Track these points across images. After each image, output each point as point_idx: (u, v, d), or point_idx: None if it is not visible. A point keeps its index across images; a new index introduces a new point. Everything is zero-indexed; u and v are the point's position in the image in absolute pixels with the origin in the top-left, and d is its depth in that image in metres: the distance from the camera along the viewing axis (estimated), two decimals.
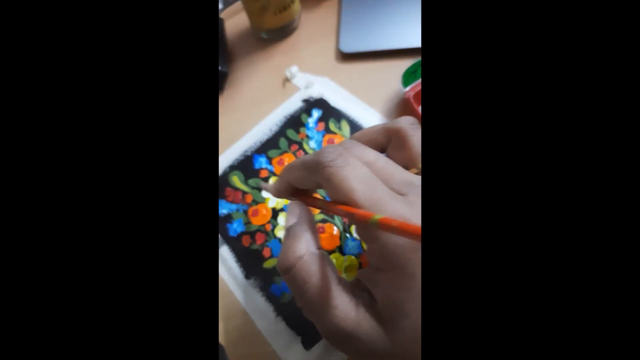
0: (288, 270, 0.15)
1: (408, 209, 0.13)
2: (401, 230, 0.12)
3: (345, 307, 0.14)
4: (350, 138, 0.18)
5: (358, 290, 0.15)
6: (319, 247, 0.16)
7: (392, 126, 0.17)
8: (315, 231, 0.17)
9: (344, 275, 0.26)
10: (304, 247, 0.15)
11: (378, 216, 0.13)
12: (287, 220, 0.17)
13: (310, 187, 0.17)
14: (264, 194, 0.30)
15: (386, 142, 0.18)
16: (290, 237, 0.16)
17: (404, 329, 0.13)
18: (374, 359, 0.14)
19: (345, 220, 0.28)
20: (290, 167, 0.18)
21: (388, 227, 0.12)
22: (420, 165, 0.16)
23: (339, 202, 0.14)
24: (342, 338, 0.14)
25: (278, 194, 0.19)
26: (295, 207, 0.18)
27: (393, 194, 0.14)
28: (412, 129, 0.17)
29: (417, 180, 0.15)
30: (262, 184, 0.25)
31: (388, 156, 0.17)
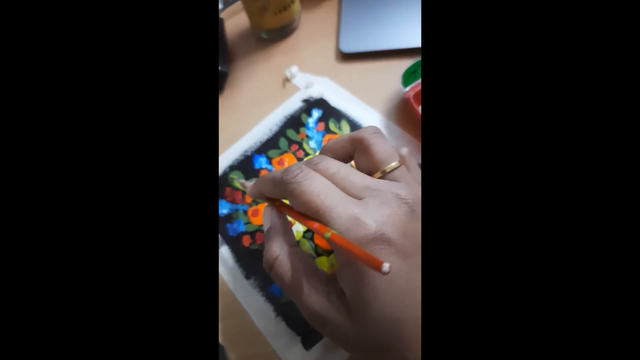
0: (270, 269, 0.18)
1: (361, 210, 0.15)
2: (343, 244, 0.14)
3: (315, 295, 0.17)
4: (322, 149, 0.21)
5: (333, 281, 0.17)
6: (293, 244, 0.19)
7: (356, 136, 0.19)
8: (288, 230, 0.20)
9: None
10: (278, 248, 0.18)
11: (329, 232, 0.15)
12: (263, 223, 0.21)
13: (279, 197, 0.20)
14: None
15: (352, 150, 0.20)
16: (267, 240, 0.19)
17: (365, 317, 0.15)
18: (348, 342, 0.16)
19: None
20: (262, 180, 0.20)
21: (335, 241, 0.15)
22: (383, 169, 0.18)
23: (301, 214, 0.17)
24: (316, 321, 0.17)
25: (253, 197, 0.22)
26: (268, 212, 0.21)
27: (349, 198, 0.16)
28: (373, 137, 0.18)
29: (375, 184, 0.17)
30: (242, 181, 0.26)
31: (355, 162, 0.20)
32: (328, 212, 0.15)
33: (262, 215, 0.29)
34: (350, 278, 0.16)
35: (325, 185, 0.16)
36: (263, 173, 0.31)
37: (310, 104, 0.34)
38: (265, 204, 0.21)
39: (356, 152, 0.20)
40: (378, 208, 0.15)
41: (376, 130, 0.19)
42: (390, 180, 0.17)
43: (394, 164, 0.18)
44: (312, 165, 0.18)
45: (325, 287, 0.17)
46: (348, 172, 0.17)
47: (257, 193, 0.21)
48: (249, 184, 0.24)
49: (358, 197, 0.16)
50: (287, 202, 0.20)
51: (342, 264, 0.16)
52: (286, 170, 0.18)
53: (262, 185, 0.20)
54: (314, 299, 0.17)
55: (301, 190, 0.16)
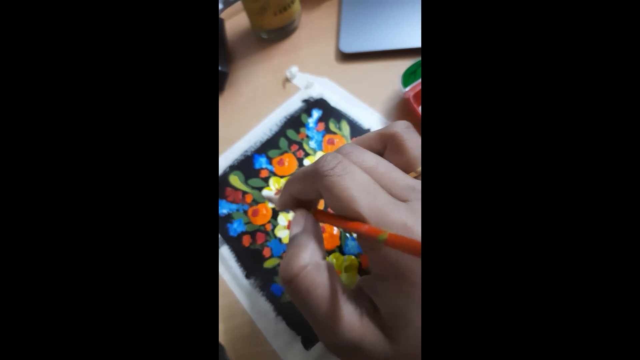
0: (291, 281, 0.15)
1: (411, 217, 0.13)
2: (407, 248, 0.12)
3: (350, 318, 0.14)
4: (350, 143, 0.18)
5: (360, 298, 0.15)
6: (324, 257, 0.16)
7: (386, 131, 0.17)
8: (321, 241, 0.16)
9: (343, 275, 0.26)
10: (308, 257, 0.15)
11: (385, 234, 0.12)
12: (291, 229, 0.17)
13: (313, 198, 0.17)
14: (265, 193, 0.30)
15: (382, 148, 0.18)
16: (293, 246, 0.16)
17: (408, 338, 0.13)
18: None
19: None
20: (291, 179, 0.18)
21: (394, 244, 0.12)
22: (419, 169, 0.16)
23: (343, 216, 0.14)
24: (349, 350, 0.14)
25: (283, 207, 0.19)
26: (300, 217, 0.17)
27: (395, 201, 0.14)
28: (407, 133, 0.17)
29: (419, 185, 0.15)
30: (267, 193, 0.25)
31: None
32: (376, 216, 0.13)
33: (263, 215, 0.29)
34: (393, 293, 0.14)
35: (369, 182, 0.14)
36: (263, 173, 0.31)
37: (310, 104, 0.34)
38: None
39: (387, 149, 0.18)
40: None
41: (408, 125, 0.17)
42: None
43: None
44: (343, 155, 0.15)
45: (357, 308, 0.15)
46: (388, 167, 0.15)
47: (287, 199, 0.18)
48: (274, 197, 0.21)
49: (402, 199, 0.14)
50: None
51: (380, 278, 0.14)
52: (320, 161, 0.15)
53: (291, 185, 0.17)
54: (348, 322, 0.14)
55: (342, 186, 0.14)
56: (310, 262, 0.15)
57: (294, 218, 0.17)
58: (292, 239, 0.16)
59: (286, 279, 0.15)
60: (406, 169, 0.16)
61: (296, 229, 0.17)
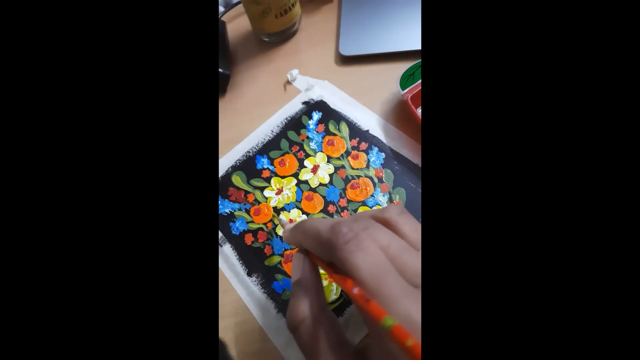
0: (293, 332, 0.16)
1: (418, 308, 0.13)
2: (406, 348, 0.11)
3: None
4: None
5: (361, 357, 0.15)
6: (323, 306, 0.17)
7: (380, 216, 0.17)
8: (320, 289, 0.17)
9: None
10: (306, 310, 0.16)
11: (391, 321, 0.12)
12: (292, 272, 0.18)
13: (323, 257, 0.17)
14: (266, 193, 0.31)
15: None
16: (293, 297, 0.17)
17: None
18: None
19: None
20: (303, 232, 0.17)
21: (395, 337, 0.11)
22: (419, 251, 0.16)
23: (345, 276, 0.14)
24: None
25: (288, 242, 0.20)
26: (299, 261, 0.18)
27: (406, 286, 0.13)
28: (401, 218, 0.16)
29: None
30: (283, 219, 0.26)
31: None
32: (384, 302, 0.13)
33: (264, 214, 0.30)
34: None
35: (382, 263, 0.14)
36: (265, 173, 0.32)
37: (311, 106, 0.35)
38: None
39: None
40: None
41: (402, 210, 0.17)
42: None
43: None
44: (359, 227, 0.15)
45: None
46: (400, 248, 0.15)
47: (294, 242, 0.19)
48: (285, 224, 0.21)
49: (413, 284, 0.14)
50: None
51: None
52: (334, 230, 0.15)
53: (303, 238, 0.18)
54: None
55: (354, 263, 0.14)
56: (307, 316, 0.16)
57: (293, 262, 0.18)
58: (293, 286, 0.17)
59: (290, 329, 0.16)
60: None
61: (295, 276, 0.18)
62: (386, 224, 0.16)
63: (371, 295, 0.13)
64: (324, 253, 0.16)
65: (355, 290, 0.13)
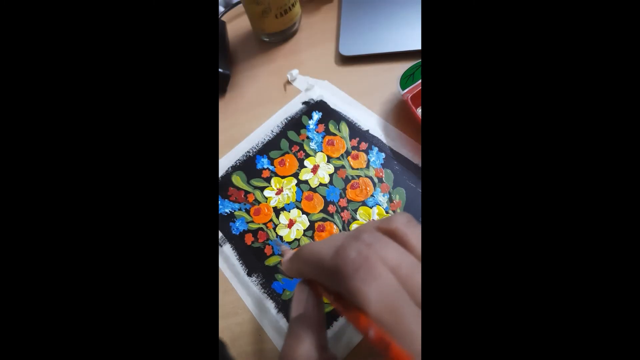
0: None
1: None
2: None
3: None
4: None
5: None
6: (325, 347, 0.15)
7: (386, 226, 0.16)
8: (322, 327, 0.16)
9: None
10: (306, 354, 0.15)
11: None
12: (292, 307, 0.17)
13: (329, 287, 0.15)
14: (266, 193, 0.31)
15: None
16: (292, 335, 0.15)
17: None
18: None
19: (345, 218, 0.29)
20: (305, 262, 0.16)
21: None
22: None
23: (356, 313, 0.13)
24: None
25: (287, 273, 0.18)
26: (302, 294, 0.16)
27: (418, 312, 0.13)
28: (408, 227, 0.15)
29: None
30: (278, 241, 0.25)
31: None
32: (397, 333, 0.12)
33: (264, 214, 0.30)
34: None
35: (395, 291, 0.13)
36: (265, 173, 0.32)
37: (311, 106, 0.35)
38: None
39: None
40: None
41: (408, 219, 0.16)
42: None
43: None
44: (367, 247, 0.14)
45: None
46: (411, 267, 0.14)
47: (295, 273, 0.17)
48: (287, 253, 0.20)
49: None
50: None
51: None
52: (341, 256, 0.14)
53: (304, 267, 0.16)
54: None
55: (367, 296, 0.13)
56: (307, 359, 0.14)
57: (296, 294, 0.17)
58: (292, 323, 0.16)
59: None
60: None
61: (297, 310, 0.16)
62: (393, 235, 0.15)
63: (387, 331, 0.12)
64: (330, 282, 0.14)
65: (371, 334, 0.12)
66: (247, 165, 0.33)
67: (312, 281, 0.17)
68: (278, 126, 0.34)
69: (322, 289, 0.16)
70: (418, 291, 0.13)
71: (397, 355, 0.12)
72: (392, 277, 0.13)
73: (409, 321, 0.12)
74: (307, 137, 0.33)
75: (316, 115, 0.34)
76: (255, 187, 0.31)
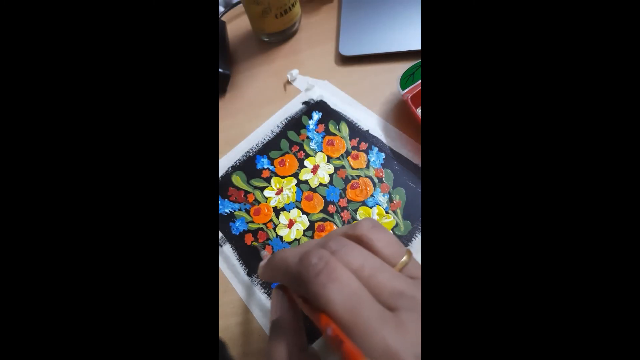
0: None
1: (396, 337, 0.12)
2: None
3: None
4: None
5: None
6: (303, 348, 0.16)
7: (352, 233, 0.16)
8: (299, 329, 0.16)
9: None
10: (283, 355, 0.15)
11: None
12: (271, 311, 0.17)
13: (297, 291, 0.16)
14: (266, 193, 0.31)
15: None
16: (271, 339, 0.16)
17: None
18: None
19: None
20: (274, 266, 0.17)
21: None
22: (398, 265, 0.15)
23: (322, 314, 0.13)
24: None
25: (263, 278, 0.19)
26: (278, 299, 0.17)
27: (382, 313, 0.13)
28: (372, 232, 0.16)
29: (408, 288, 0.14)
30: (262, 252, 0.26)
31: None
32: (360, 336, 0.12)
33: (264, 214, 0.30)
34: None
35: (355, 290, 0.13)
36: (265, 173, 0.32)
37: (311, 106, 0.35)
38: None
39: None
40: (418, 331, 0.12)
41: (373, 224, 0.16)
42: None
43: (404, 259, 0.15)
44: (329, 253, 0.14)
45: None
46: (375, 268, 0.14)
47: (268, 278, 0.18)
48: (263, 257, 0.20)
49: (390, 307, 0.13)
50: None
51: None
52: (303, 262, 0.14)
53: (273, 272, 0.17)
54: None
55: (327, 298, 0.13)
56: (285, 359, 0.15)
57: (272, 299, 0.18)
58: (270, 327, 0.17)
59: None
60: None
61: (274, 314, 0.17)
62: (359, 240, 0.16)
63: (347, 330, 0.13)
64: (296, 287, 0.15)
65: (329, 332, 0.13)
66: (247, 165, 0.33)
67: (286, 289, 0.18)
68: (278, 126, 0.34)
69: (293, 293, 0.17)
70: (381, 290, 0.14)
71: (349, 352, 0.12)
72: (353, 278, 0.14)
73: (369, 318, 0.13)
74: (307, 137, 0.33)
75: (316, 115, 0.34)
76: (255, 187, 0.31)
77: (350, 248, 0.15)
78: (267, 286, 0.27)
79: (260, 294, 0.27)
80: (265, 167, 0.32)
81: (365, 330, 0.12)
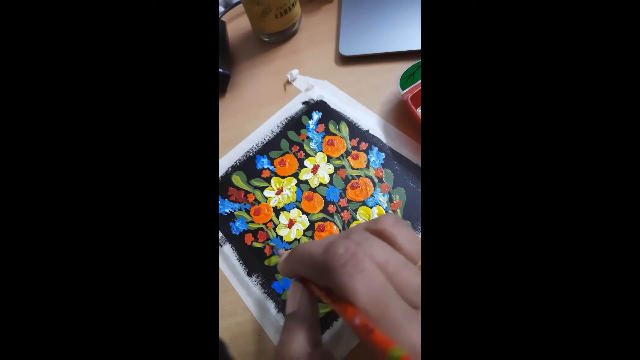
0: None
1: (420, 334, 0.12)
2: None
3: None
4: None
5: None
6: (319, 343, 0.16)
7: (375, 227, 0.16)
8: (316, 323, 0.16)
9: None
10: (299, 348, 0.15)
11: (399, 352, 0.11)
12: (287, 304, 0.17)
13: (320, 283, 0.16)
14: (266, 193, 0.31)
15: None
16: (286, 331, 0.16)
17: None
18: None
19: (345, 218, 0.29)
20: (296, 259, 0.17)
21: None
22: (419, 264, 0.15)
23: (346, 306, 0.13)
24: None
25: (283, 274, 0.19)
26: (297, 292, 0.17)
27: (408, 310, 0.13)
28: (395, 228, 0.16)
29: None
30: (280, 250, 0.26)
31: None
32: (387, 329, 0.12)
33: (264, 214, 0.30)
34: None
35: (382, 285, 0.13)
36: (265, 173, 0.32)
37: (311, 106, 0.35)
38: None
39: None
40: None
41: (396, 219, 0.16)
42: None
43: None
44: (355, 245, 0.14)
45: None
46: (399, 265, 0.14)
47: (289, 273, 0.18)
48: (281, 255, 0.20)
49: (414, 305, 0.13)
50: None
51: None
52: (329, 252, 0.14)
53: (297, 266, 0.17)
54: None
55: (354, 289, 0.13)
56: (300, 355, 0.15)
57: (291, 291, 0.17)
58: (287, 319, 0.16)
59: None
60: None
61: (292, 307, 0.17)
62: (381, 235, 0.16)
63: (374, 322, 0.12)
64: (320, 279, 0.15)
65: (357, 321, 0.13)
66: (247, 165, 0.33)
67: (305, 279, 0.17)
68: (278, 126, 0.34)
69: (314, 286, 0.17)
70: (405, 287, 0.13)
71: (379, 339, 0.12)
72: (378, 272, 0.14)
73: (395, 314, 0.13)
74: (307, 137, 0.33)
75: (316, 115, 0.34)
76: (255, 187, 0.31)
77: (373, 241, 0.15)
78: (266, 286, 0.27)
79: (260, 294, 0.27)
80: (265, 167, 0.32)
81: (393, 325, 0.12)
